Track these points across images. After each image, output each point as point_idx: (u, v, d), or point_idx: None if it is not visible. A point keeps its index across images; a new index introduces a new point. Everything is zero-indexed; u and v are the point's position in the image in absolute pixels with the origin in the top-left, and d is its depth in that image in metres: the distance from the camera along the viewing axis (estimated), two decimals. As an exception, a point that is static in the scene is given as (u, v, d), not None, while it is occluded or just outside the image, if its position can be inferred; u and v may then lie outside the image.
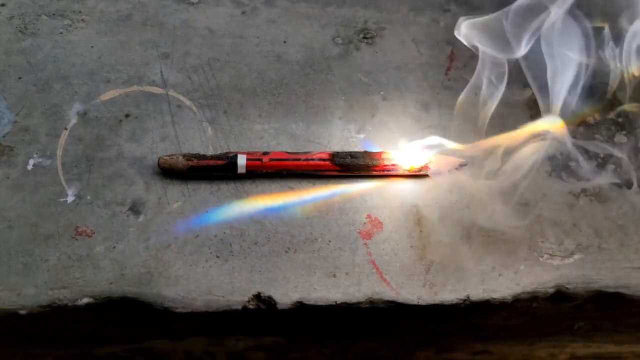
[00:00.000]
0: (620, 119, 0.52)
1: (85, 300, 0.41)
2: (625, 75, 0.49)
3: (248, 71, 0.50)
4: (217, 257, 0.43)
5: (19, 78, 0.47)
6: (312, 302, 0.43)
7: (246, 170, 0.45)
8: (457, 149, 0.46)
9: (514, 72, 0.53)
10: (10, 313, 0.41)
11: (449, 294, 0.44)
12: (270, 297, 0.42)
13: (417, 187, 0.47)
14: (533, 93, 0.52)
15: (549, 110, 0.45)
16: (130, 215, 0.44)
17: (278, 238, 0.44)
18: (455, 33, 0.47)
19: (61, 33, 0.50)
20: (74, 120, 0.47)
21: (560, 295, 0.46)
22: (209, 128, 0.48)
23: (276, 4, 0.54)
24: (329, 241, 0.45)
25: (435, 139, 0.47)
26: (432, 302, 0.43)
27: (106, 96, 0.48)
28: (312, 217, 0.45)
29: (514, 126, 0.50)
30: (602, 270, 0.46)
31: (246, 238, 0.44)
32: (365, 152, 0.47)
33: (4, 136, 0.45)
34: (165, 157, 0.45)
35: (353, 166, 0.46)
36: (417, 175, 0.47)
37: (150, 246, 0.43)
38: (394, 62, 0.52)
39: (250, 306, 0.42)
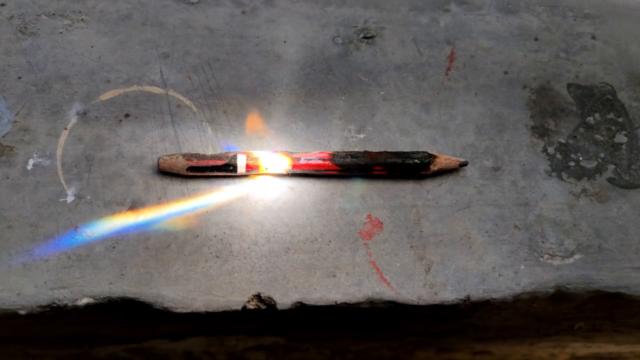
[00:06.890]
0: (620, 119, 0.52)
1: (85, 300, 0.41)
2: None
3: (248, 71, 0.50)
4: (217, 257, 0.43)
5: (19, 78, 0.47)
6: (312, 303, 0.43)
7: (246, 170, 0.45)
8: None
9: (513, 71, 0.53)
10: (10, 313, 0.41)
11: (449, 294, 0.44)
12: (270, 297, 0.42)
13: (417, 187, 0.47)
14: (533, 92, 0.52)
15: None
16: (130, 216, 0.44)
17: (278, 238, 0.44)
18: None
19: (61, 33, 0.50)
20: (73, 120, 0.47)
21: (560, 295, 0.46)
22: (209, 128, 0.48)
23: (276, 3, 0.54)
24: (329, 241, 0.45)
25: None
26: (432, 302, 0.43)
27: (106, 96, 0.48)
28: (312, 217, 0.45)
29: (514, 126, 0.51)
30: (602, 270, 0.46)
31: (246, 238, 0.44)
32: (365, 152, 0.47)
33: (4, 136, 0.45)
34: (165, 157, 0.45)
35: (353, 166, 0.46)
36: (417, 175, 0.47)
37: (150, 246, 0.43)
38: (394, 62, 0.52)
39: (250, 306, 0.42)
